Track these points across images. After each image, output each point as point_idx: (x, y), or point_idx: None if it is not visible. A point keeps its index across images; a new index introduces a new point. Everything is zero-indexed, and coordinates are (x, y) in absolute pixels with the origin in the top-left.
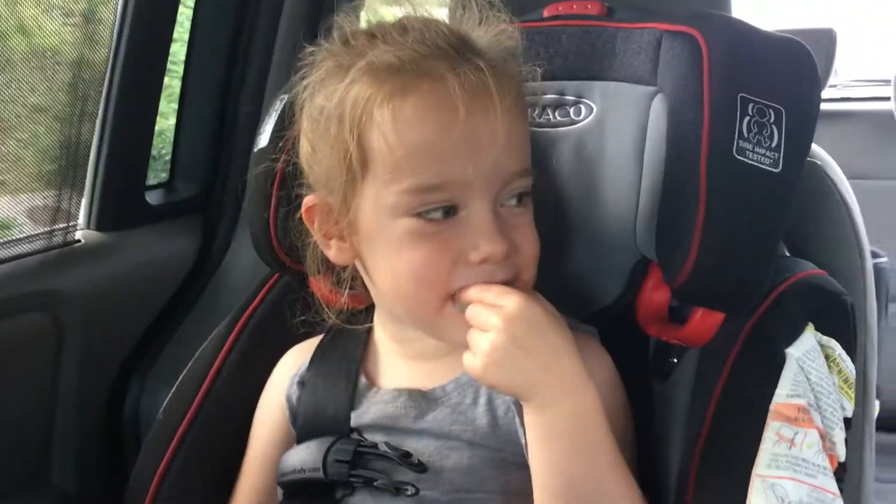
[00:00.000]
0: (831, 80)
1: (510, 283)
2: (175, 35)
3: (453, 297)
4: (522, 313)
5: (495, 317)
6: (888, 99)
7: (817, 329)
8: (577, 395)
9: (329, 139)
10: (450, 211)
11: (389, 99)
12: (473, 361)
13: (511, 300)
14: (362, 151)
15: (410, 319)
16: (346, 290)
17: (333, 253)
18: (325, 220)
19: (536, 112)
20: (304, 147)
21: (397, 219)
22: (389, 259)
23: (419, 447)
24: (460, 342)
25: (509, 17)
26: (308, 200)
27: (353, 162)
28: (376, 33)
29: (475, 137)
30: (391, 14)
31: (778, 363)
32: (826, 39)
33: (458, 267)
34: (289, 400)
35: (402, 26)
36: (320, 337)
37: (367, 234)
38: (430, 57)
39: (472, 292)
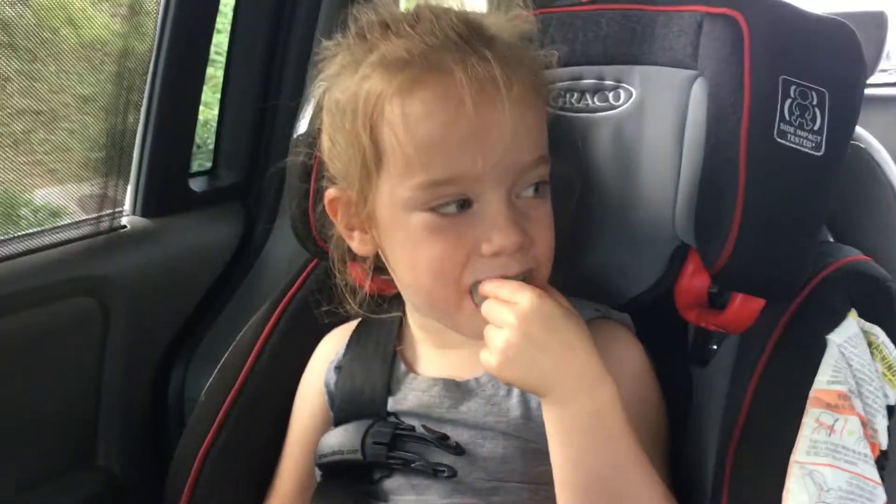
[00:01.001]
0: (883, 65)
1: (526, 275)
2: (219, 26)
3: (471, 291)
4: (536, 310)
5: (510, 313)
6: None
7: (860, 315)
8: (593, 390)
9: (345, 134)
10: (464, 204)
11: (399, 94)
12: (490, 358)
13: (525, 297)
14: (375, 147)
15: (431, 312)
16: (370, 278)
17: (356, 244)
18: (347, 212)
19: (575, 97)
20: (325, 141)
21: (412, 213)
22: (407, 252)
23: (454, 435)
24: (477, 336)
25: (526, 4)
26: (330, 193)
27: (367, 157)
28: (390, 24)
29: (483, 130)
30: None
31: (819, 349)
32: (877, 22)
33: (472, 260)
34: (326, 385)
35: (415, 17)
36: (357, 321)
37: (385, 228)
38: (440, 49)
39: (488, 287)
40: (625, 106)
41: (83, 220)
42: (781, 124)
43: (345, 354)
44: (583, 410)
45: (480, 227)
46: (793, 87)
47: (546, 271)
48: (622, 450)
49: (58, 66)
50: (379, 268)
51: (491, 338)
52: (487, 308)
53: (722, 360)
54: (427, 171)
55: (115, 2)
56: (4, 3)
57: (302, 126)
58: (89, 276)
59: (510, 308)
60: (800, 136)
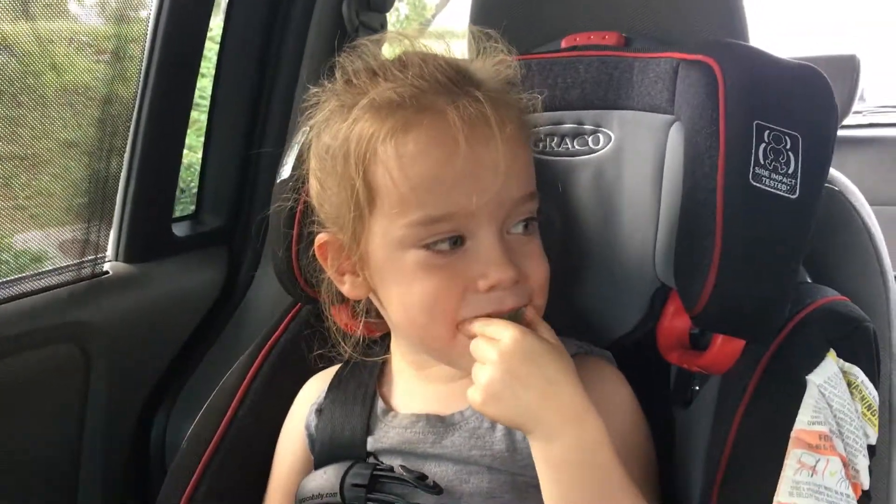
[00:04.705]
0: (857, 107)
1: (521, 309)
2: (203, 70)
3: (464, 326)
4: (517, 346)
5: (492, 350)
6: None
7: (839, 355)
8: (579, 424)
9: (336, 177)
10: (457, 241)
11: (392, 135)
12: (474, 394)
13: (507, 333)
14: (368, 187)
15: (424, 348)
16: (362, 321)
17: (347, 288)
18: (337, 256)
19: (555, 141)
20: (314, 185)
21: (406, 251)
22: (400, 291)
23: (438, 472)
24: (471, 370)
25: (507, 50)
26: (320, 238)
27: (360, 198)
28: (377, 70)
29: (477, 168)
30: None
31: (799, 390)
32: (849, 66)
33: (467, 296)
34: (308, 428)
35: (401, 62)
36: (340, 365)
37: (378, 268)
38: (430, 91)
39: (476, 326)
40: (604, 150)
41: (65, 267)
42: (756, 168)
43: (326, 397)
44: (570, 445)
45: (474, 263)
46: (766, 132)
47: (542, 303)
48: (614, 482)
49: (42, 111)
50: (367, 311)
51: (476, 374)
52: (475, 346)
53: (704, 401)
54: (422, 209)
55: (99, 47)
56: None
57: (285, 171)
58: (71, 323)
59: (493, 345)
60: (774, 180)
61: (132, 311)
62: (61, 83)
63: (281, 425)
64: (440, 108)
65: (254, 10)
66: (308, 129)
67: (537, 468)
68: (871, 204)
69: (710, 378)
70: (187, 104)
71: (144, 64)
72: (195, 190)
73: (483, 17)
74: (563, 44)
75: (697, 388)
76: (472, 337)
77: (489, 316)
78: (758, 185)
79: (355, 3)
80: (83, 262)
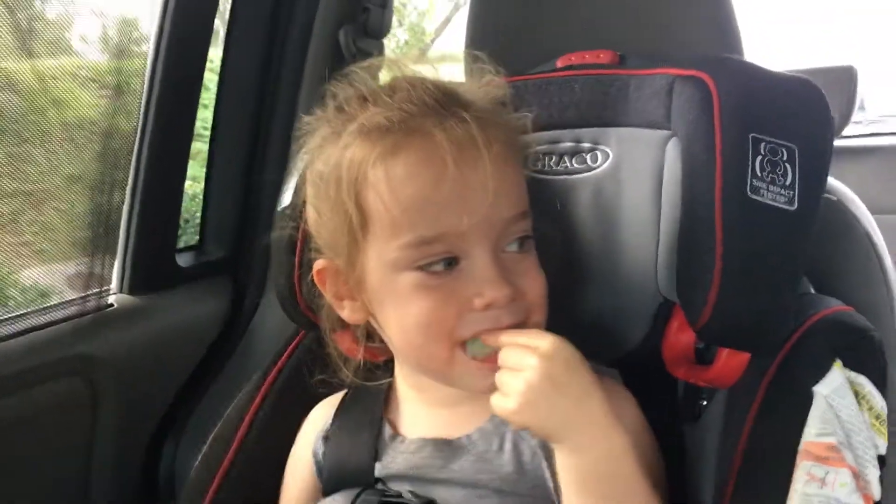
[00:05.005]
0: (857, 116)
1: (518, 326)
2: (205, 101)
3: (463, 345)
4: (560, 352)
5: (531, 356)
6: None
7: (845, 365)
8: (609, 436)
9: (329, 203)
10: (451, 262)
11: (381, 159)
12: (505, 402)
13: (546, 340)
14: (361, 211)
15: (424, 369)
16: (363, 345)
17: (347, 313)
18: (335, 281)
19: (553, 160)
20: (311, 212)
21: (401, 273)
22: (397, 313)
23: (447, 496)
24: (475, 388)
25: (495, 70)
26: (318, 264)
27: (353, 222)
28: (367, 96)
29: (466, 188)
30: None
31: (806, 402)
32: (847, 77)
33: (464, 315)
34: (315, 456)
35: (390, 88)
36: (345, 392)
37: (374, 292)
38: (418, 115)
39: (504, 337)
40: (602, 167)
41: (70, 300)
42: (754, 181)
43: (332, 424)
44: (600, 456)
45: (469, 282)
46: (763, 144)
47: (540, 320)
48: (639, 494)
49: (45, 147)
50: (368, 335)
51: (508, 382)
52: (506, 354)
53: (712, 415)
54: (413, 230)
55: (102, 83)
56: None
57: (286, 199)
58: (77, 357)
59: (531, 351)
60: (772, 192)
61: (138, 343)
62: (64, 119)
63: (288, 453)
64: (428, 130)
65: (252, 41)
66: (303, 156)
67: (562, 479)
68: (873, 213)
69: (718, 392)
70: (188, 135)
71: (145, 97)
72: (199, 220)
73: (478, 40)
74: (559, 63)
75: (705, 402)
76: (480, 349)
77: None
78: (756, 197)
79: (352, 30)
80: (88, 295)
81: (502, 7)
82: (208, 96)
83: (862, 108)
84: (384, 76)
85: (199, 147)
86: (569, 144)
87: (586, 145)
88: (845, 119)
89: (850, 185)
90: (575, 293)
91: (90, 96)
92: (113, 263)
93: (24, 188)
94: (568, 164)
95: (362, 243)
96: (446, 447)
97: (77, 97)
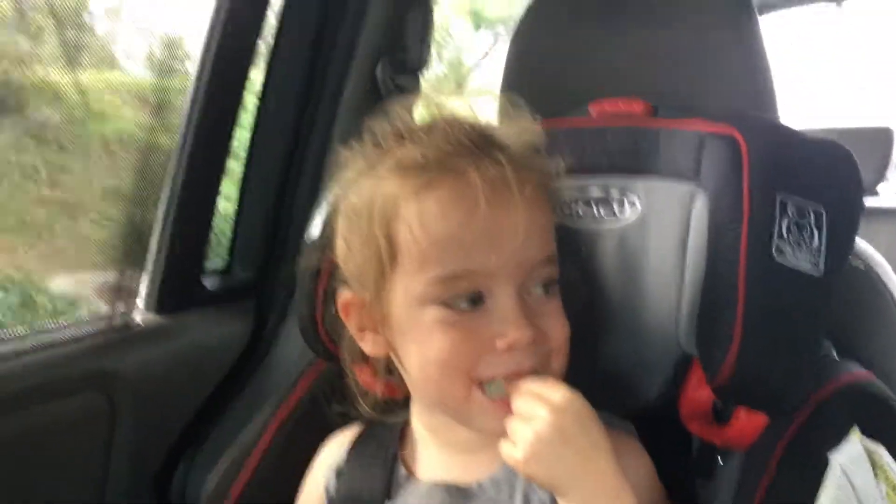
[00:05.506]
0: (892, 175)
1: (539, 370)
2: (242, 121)
3: (481, 385)
4: (571, 406)
5: (543, 408)
6: None
7: (864, 434)
8: (616, 495)
9: (361, 235)
10: (476, 300)
11: (415, 194)
12: (514, 451)
13: (560, 392)
14: (391, 245)
15: (440, 406)
16: (383, 380)
17: (369, 346)
18: (360, 314)
19: (581, 208)
20: (340, 245)
21: (425, 308)
22: (419, 348)
23: None
24: (489, 429)
25: (532, 115)
26: (344, 296)
27: (382, 255)
28: (404, 134)
29: (496, 229)
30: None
31: (821, 469)
32: (883, 137)
33: (485, 355)
34: (327, 490)
35: (428, 126)
36: (360, 426)
37: (398, 325)
38: (454, 154)
39: (523, 385)
40: (629, 217)
41: (97, 316)
42: (779, 242)
43: (346, 458)
44: None
45: (493, 322)
46: (790, 207)
47: (560, 366)
48: None
49: (84, 159)
50: (388, 370)
51: (518, 430)
52: (518, 401)
53: (727, 475)
54: (442, 266)
55: (143, 98)
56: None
57: (315, 229)
58: (100, 372)
59: (543, 402)
60: (797, 256)
61: (159, 363)
62: (105, 132)
63: (300, 483)
64: (462, 169)
65: (293, 67)
66: (337, 188)
67: None
68: None
69: (734, 453)
70: (224, 159)
71: (185, 114)
72: (226, 242)
73: (513, 82)
74: (592, 110)
75: (720, 460)
76: (500, 392)
77: (506, 378)
78: (780, 260)
79: (390, 64)
80: (114, 312)
81: (539, 50)
82: (246, 117)
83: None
84: (422, 113)
85: (233, 166)
86: (597, 192)
87: (615, 194)
88: (878, 180)
89: (880, 246)
90: (595, 341)
91: (132, 110)
92: (141, 281)
93: (60, 197)
94: (595, 212)
95: (390, 276)
96: (458, 493)
97: (120, 112)
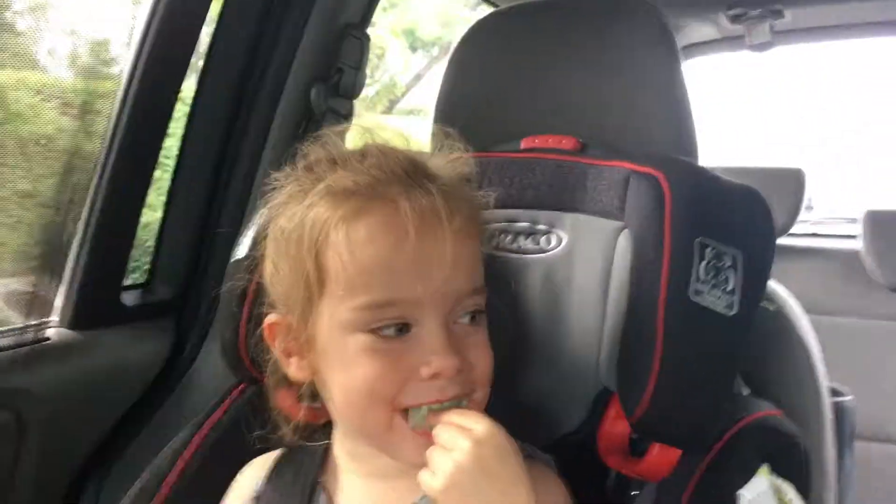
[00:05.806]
0: (804, 216)
1: (462, 399)
2: (172, 130)
3: (404, 413)
4: (492, 438)
5: (464, 439)
6: (856, 237)
7: (773, 470)
8: None
9: (289, 259)
10: (402, 328)
11: (344, 220)
12: (433, 481)
13: (482, 424)
14: (319, 270)
15: (362, 434)
16: (305, 405)
17: (293, 370)
18: (285, 337)
19: (509, 239)
20: (268, 266)
21: (351, 335)
22: (343, 374)
23: None
24: (410, 459)
25: (464, 147)
26: (270, 318)
27: (310, 280)
28: (337, 160)
29: (424, 258)
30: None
31: None
32: (794, 179)
33: (409, 383)
34: None
35: (361, 153)
36: (280, 451)
37: (323, 351)
38: (385, 182)
39: (449, 416)
40: (555, 250)
41: (6, 330)
42: (697, 283)
43: (265, 484)
44: None
45: (418, 351)
46: (708, 249)
47: (483, 396)
48: None
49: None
50: (312, 397)
51: (438, 460)
52: (441, 430)
53: None
54: (369, 293)
55: (66, 100)
56: None
57: (241, 251)
58: (9, 390)
59: (465, 434)
60: (713, 296)
61: (72, 380)
62: (23, 133)
63: None
64: (393, 197)
65: (225, 81)
66: (266, 210)
67: None
68: (813, 314)
69: (649, 485)
70: (151, 169)
71: (112, 120)
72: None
73: (446, 114)
74: (523, 144)
75: (634, 493)
76: (423, 422)
77: (429, 405)
78: (697, 300)
79: (324, 89)
80: (26, 327)
81: (473, 82)
82: (175, 126)
83: (810, 207)
84: (356, 139)
85: (159, 176)
86: (525, 225)
87: (542, 227)
88: (790, 221)
89: (792, 284)
90: (518, 372)
91: (52, 112)
92: (56, 294)
93: None
94: (522, 244)
95: (317, 301)
96: None
97: (38, 112)
